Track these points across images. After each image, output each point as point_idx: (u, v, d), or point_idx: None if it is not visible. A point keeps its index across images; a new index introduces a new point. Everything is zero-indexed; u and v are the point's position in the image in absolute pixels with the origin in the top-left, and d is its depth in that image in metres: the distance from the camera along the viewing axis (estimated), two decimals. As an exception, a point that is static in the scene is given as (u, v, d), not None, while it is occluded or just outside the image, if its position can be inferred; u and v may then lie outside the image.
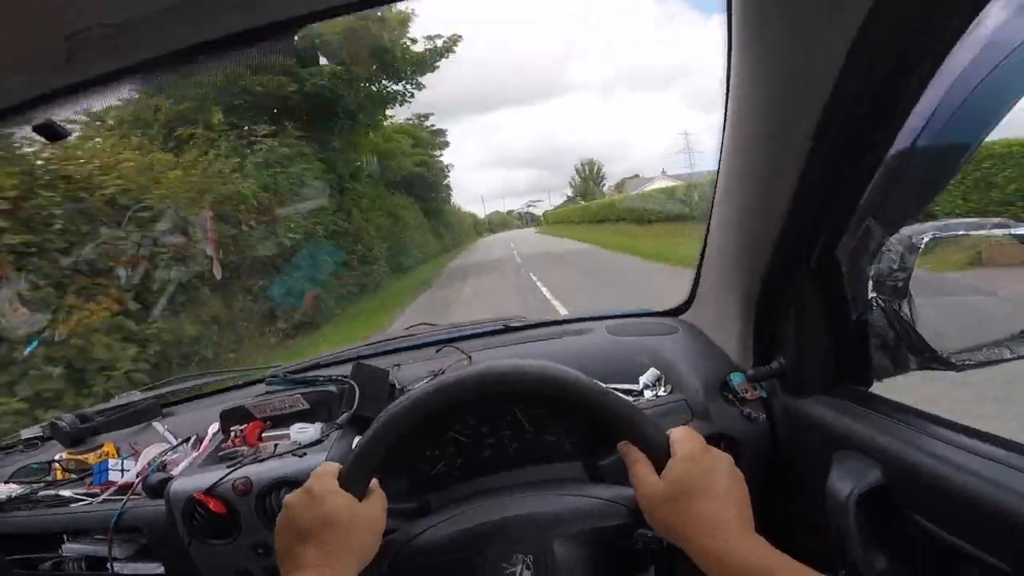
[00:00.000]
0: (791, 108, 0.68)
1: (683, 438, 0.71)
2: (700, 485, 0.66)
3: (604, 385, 0.75)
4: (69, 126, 0.76)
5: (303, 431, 1.12)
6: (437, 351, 1.34)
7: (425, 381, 1.20)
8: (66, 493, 1.16)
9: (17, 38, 0.56)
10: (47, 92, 0.67)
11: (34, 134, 0.74)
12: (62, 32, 0.56)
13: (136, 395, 1.37)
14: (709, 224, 1.00)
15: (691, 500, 0.66)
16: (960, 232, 0.85)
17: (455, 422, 1.10)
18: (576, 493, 0.81)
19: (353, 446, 1.07)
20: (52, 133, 0.72)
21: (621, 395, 0.75)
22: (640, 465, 0.71)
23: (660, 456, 0.70)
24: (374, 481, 0.74)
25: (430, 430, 1.08)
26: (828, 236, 0.85)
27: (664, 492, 0.67)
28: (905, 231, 0.84)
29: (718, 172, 0.88)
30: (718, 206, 0.94)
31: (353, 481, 0.72)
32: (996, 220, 0.82)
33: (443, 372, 1.22)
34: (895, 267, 0.89)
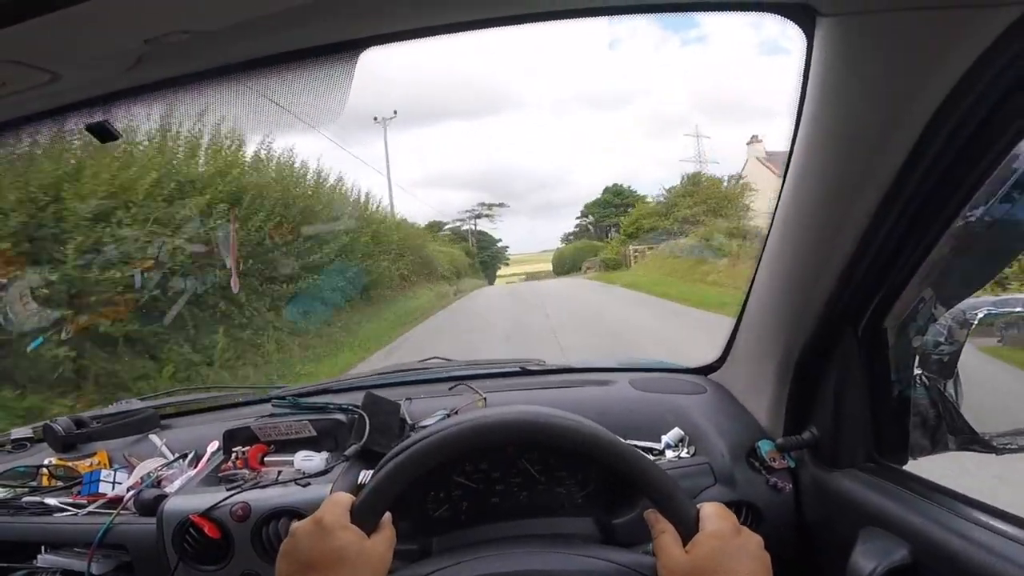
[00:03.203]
0: (862, 168, 0.66)
1: (714, 514, 0.69)
2: (726, 566, 0.65)
3: (625, 442, 0.74)
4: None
5: (308, 460, 1.07)
6: (450, 388, 1.30)
7: (438, 419, 1.16)
8: (51, 501, 1.10)
9: (97, 36, 0.55)
10: (108, 93, 0.67)
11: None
12: (142, 35, 0.55)
13: (135, 403, 1.32)
14: (753, 280, 0.98)
15: None
16: (1018, 308, 0.82)
17: (464, 465, 1.06)
18: (593, 555, 0.78)
19: (359, 480, 1.03)
20: (105, 134, 0.72)
21: (654, 461, 0.74)
22: (666, 536, 0.69)
23: (688, 530, 0.68)
24: (385, 517, 0.72)
25: (437, 472, 1.03)
26: (880, 304, 0.83)
27: (687, 567, 0.66)
28: (959, 305, 0.82)
29: (771, 226, 0.87)
30: (767, 262, 0.92)
31: (365, 516, 0.69)
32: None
33: (456, 412, 1.18)
34: (942, 341, 0.86)
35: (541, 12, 0.69)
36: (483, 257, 43.53)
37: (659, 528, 0.70)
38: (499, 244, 48.09)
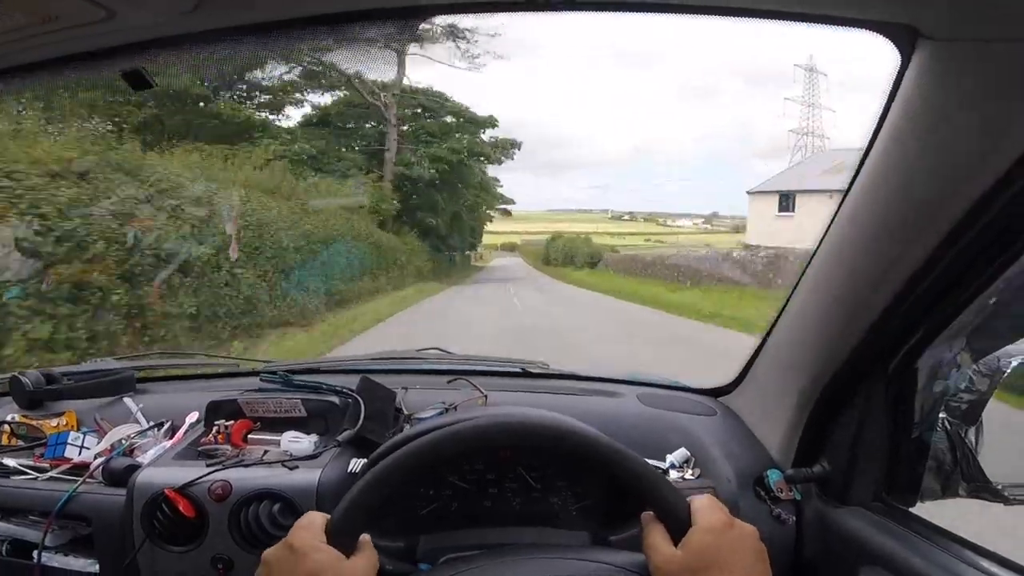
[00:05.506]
0: (936, 199, 0.64)
1: (706, 507, 0.66)
2: (722, 560, 0.62)
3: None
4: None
5: (296, 441, 1.02)
6: (448, 382, 1.25)
7: (435, 414, 1.12)
8: (9, 462, 1.01)
9: None
10: (156, 38, 0.62)
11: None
12: None
13: (111, 362, 1.23)
14: (786, 305, 0.96)
15: None
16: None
17: (459, 464, 1.01)
18: (583, 557, 0.75)
19: (349, 468, 0.98)
20: (140, 81, 0.67)
21: (640, 457, 0.70)
22: (655, 533, 0.66)
23: (679, 524, 0.65)
24: (365, 536, 0.67)
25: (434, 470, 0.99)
26: (916, 343, 0.81)
27: (681, 564, 0.62)
28: (995, 352, 0.81)
29: (817, 249, 0.84)
30: (806, 286, 0.90)
31: (342, 535, 0.64)
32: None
33: (455, 407, 1.14)
34: (971, 387, 0.85)
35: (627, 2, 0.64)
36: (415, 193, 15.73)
37: (649, 526, 0.67)
38: (490, 137, 17.49)
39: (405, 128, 16.38)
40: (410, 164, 15.52)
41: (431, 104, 16.36)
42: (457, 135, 16.51)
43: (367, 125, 15.94)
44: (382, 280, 12.58)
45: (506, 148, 17.56)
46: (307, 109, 15.59)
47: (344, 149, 15.14)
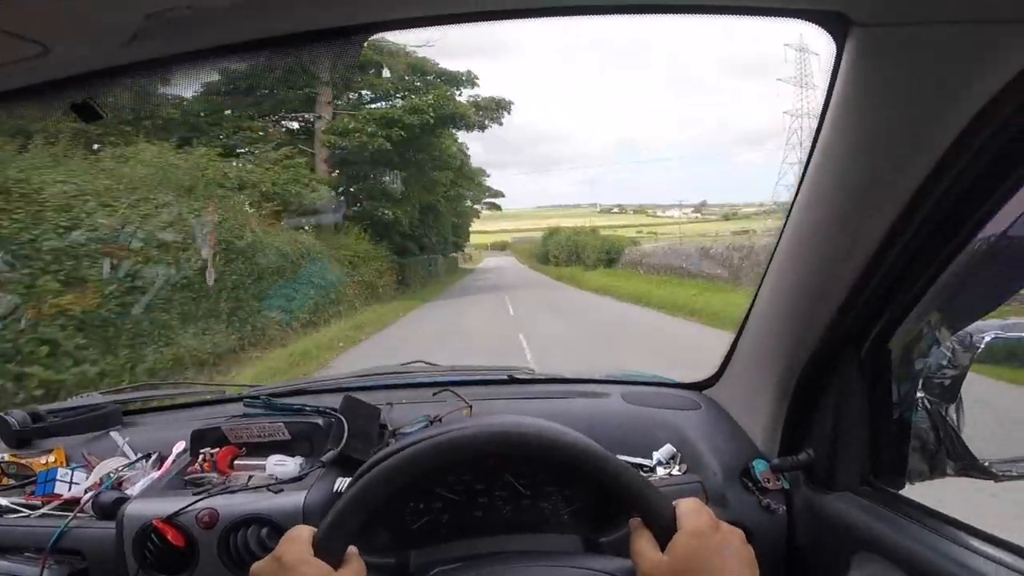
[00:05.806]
0: (882, 184, 0.65)
1: (691, 511, 0.66)
2: (708, 565, 0.62)
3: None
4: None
5: (281, 464, 1.02)
6: (434, 394, 1.25)
7: (420, 427, 1.12)
8: (2, 501, 1.02)
9: (95, 7, 0.51)
10: (97, 70, 0.63)
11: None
12: (145, 9, 0.51)
13: (96, 397, 1.24)
14: (757, 294, 0.96)
15: None
16: (1027, 333, 0.81)
17: (446, 476, 1.02)
18: (575, 565, 0.76)
19: (335, 488, 0.98)
20: (90, 113, 0.67)
21: (625, 461, 0.70)
22: (642, 539, 0.66)
23: (664, 529, 0.65)
24: (352, 549, 0.67)
25: (416, 483, 1.00)
26: (886, 324, 0.81)
27: (667, 569, 0.62)
28: (966, 328, 0.81)
29: (779, 239, 0.84)
30: (772, 276, 0.90)
31: (329, 548, 0.64)
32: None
33: (440, 419, 1.14)
34: (944, 364, 0.85)
35: (564, 7, 0.65)
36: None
37: (636, 532, 0.67)
38: (469, 98, 12.90)
39: (352, 96, 11.77)
40: (347, 132, 10.57)
41: (381, 59, 11.37)
42: (423, 95, 11.33)
43: (295, 91, 11.17)
44: (285, 321, 8.05)
45: (492, 110, 12.57)
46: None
47: (255, 119, 10.67)
